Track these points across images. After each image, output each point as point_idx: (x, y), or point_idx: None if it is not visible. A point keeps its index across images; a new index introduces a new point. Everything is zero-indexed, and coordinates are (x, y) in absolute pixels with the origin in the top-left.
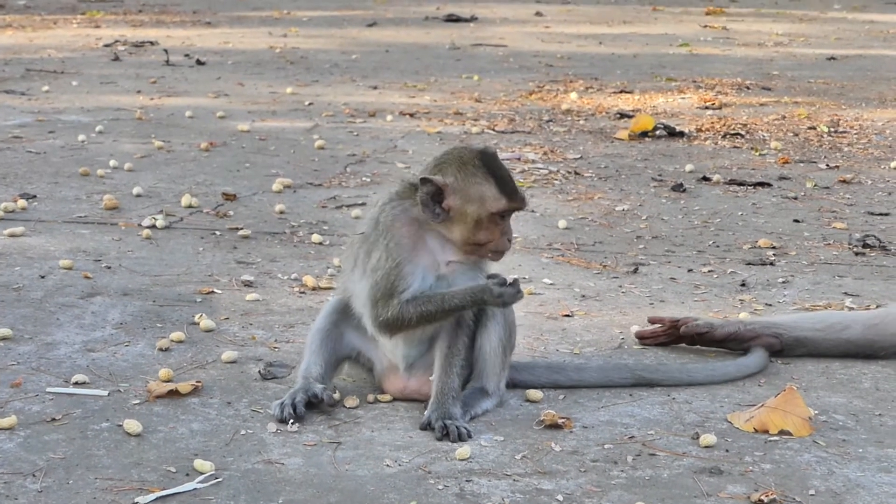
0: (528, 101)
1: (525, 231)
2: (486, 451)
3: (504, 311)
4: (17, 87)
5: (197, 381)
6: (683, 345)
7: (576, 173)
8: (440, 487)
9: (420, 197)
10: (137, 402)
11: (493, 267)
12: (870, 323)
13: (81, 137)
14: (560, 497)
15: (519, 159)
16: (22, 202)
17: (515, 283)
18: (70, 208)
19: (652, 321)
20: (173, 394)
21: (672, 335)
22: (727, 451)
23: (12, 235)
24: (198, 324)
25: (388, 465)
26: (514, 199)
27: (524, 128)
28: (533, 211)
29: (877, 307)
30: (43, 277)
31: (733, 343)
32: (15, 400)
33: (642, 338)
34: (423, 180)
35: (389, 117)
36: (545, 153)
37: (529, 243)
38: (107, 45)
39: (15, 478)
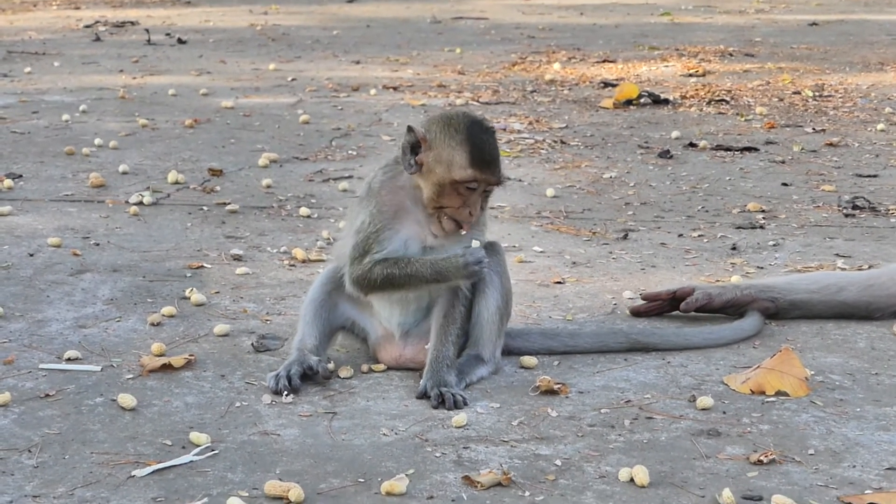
0: (511, 72)
1: (513, 200)
2: (482, 419)
3: (501, 279)
4: None
5: (190, 355)
6: (677, 312)
7: (562, 142)
8: (437, 455)
9: (402, 142)
10: (131, 376)
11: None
12: (865, 284)
13: (65, 117)
14: (558, 462)
15: (504, 129)
16: (8, 182)
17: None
18: (56, 187)
19: (646, 298)
20: (166, 368)
21: (668, 308)
22: (724, 413)
23: (0, 215)
24: (189, 298)
25: (384, 434)
26: (483, 172)
27: (508, 99)
28: (520, 180)
29: (869, 268)
30: (32, 255)
31: (731, 309)
32: (8, 377)
33: (637, 313)
34: (409, 128)
35: (373, 91)
36: (530, 123)
37: (518, 212)
38: (87, 26)
39: (10, 454)
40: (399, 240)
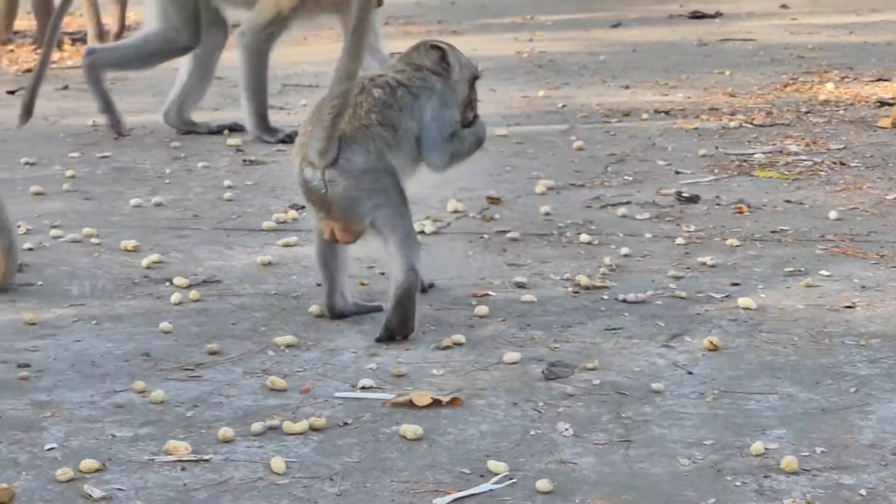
0: (783, 93)
1: (795, 223)
2: (782, 447)
3: None
4: (276, 102)
5: (479, 388)
6: None
7: (841, 163)
8: (738, 484)
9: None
10: (424, 405)
11: None
12: None
13: None
14: (863, 492)
15: (781, 151)
16: (293, 213)
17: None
18: None
19: None
20: (456, 399)
21: None
22: None
23: (286, 245)
24: (474, 326)
25: (681, 463)
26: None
27: (783, 120)
28: (801, 203)
29: None
30: (320, 285)
31: None
32: (305, 405)
33: None
34: (432, 46)
35: (644, 115)
36: (807, 145)
37: (801, 235)
38: None
39: (313, 482)
40: None
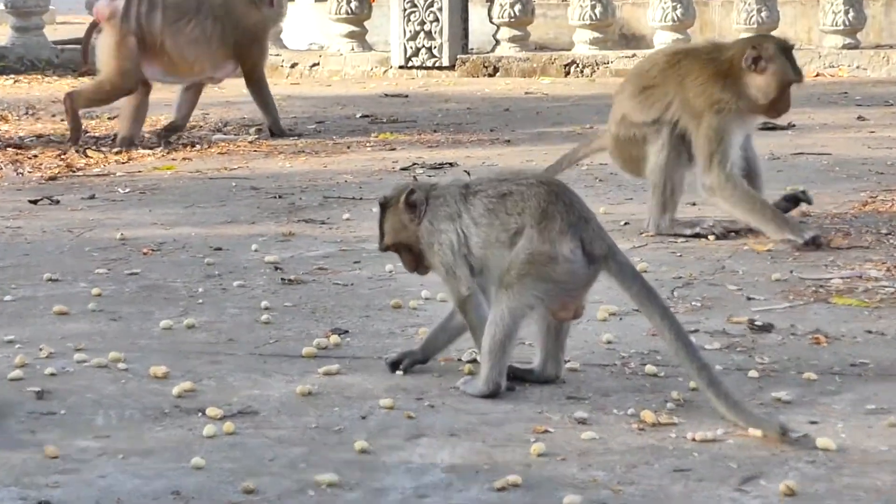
0: (861, 212)
1: (877, 356)
2: None
3: None
4: (317, 216)
5: None
6: None
7: None
8: None
9: None
10: None
11: None
12: None
13: (388, 267)
14: None
15: (860, 277)
16: (335, 338)
17: None
18: (385, 343)
19: None
20: None
21: None
22: None
23: (328, 374)
24: (531, 465)
25: None
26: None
27: (861, 242)
28: (883, 333)
29: None
30: (364, 418)
31: None
32: None
33: None
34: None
35: (712, 236)
36: (888, 269)
37: (884, 369)
38: (404, 169)
39: None
40: None
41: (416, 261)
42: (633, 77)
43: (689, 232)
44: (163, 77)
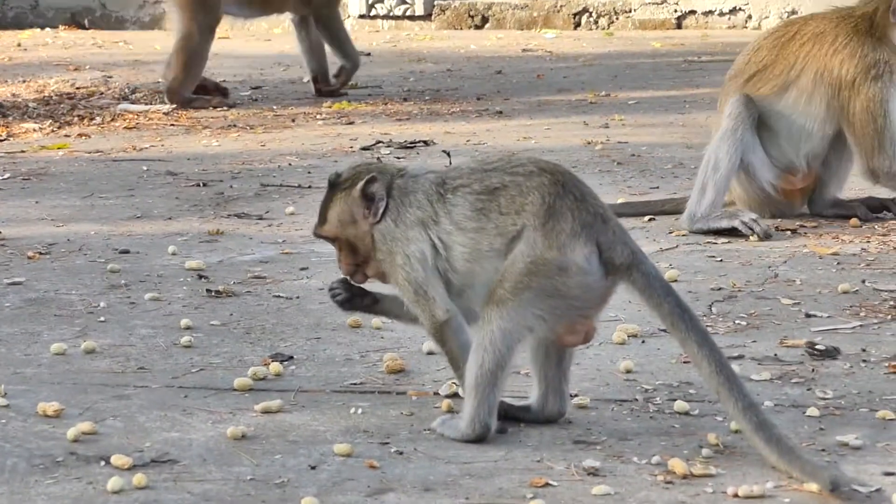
0: None
1: None
2: None
3: None
4: (253, 210)
5: None
6: None
7: None
8: None
9: None
10: None
11: None
12: None
13: None
14: None
15: None
16: (275, 366)
17: None
18: (340, 373)
19: None
20: None
21: None
22: None
23: (266, 412)
24: None
25: None
26: None
27: None
28: None
29: None
30: (313, 468)
31: None
32: None
33: None
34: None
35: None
36: None
37: None
38: (365, 149)
39: None
40: None
41: (358, 264)
42: (736, 72)
43: (725, 224)
44: (239, 11)
